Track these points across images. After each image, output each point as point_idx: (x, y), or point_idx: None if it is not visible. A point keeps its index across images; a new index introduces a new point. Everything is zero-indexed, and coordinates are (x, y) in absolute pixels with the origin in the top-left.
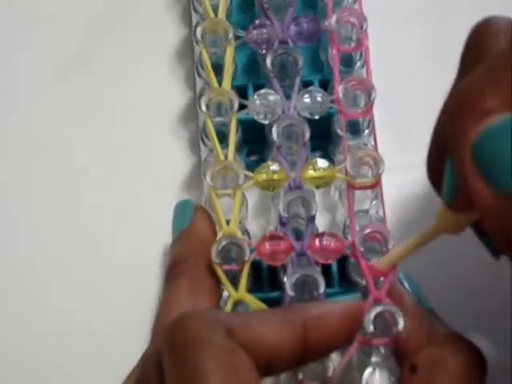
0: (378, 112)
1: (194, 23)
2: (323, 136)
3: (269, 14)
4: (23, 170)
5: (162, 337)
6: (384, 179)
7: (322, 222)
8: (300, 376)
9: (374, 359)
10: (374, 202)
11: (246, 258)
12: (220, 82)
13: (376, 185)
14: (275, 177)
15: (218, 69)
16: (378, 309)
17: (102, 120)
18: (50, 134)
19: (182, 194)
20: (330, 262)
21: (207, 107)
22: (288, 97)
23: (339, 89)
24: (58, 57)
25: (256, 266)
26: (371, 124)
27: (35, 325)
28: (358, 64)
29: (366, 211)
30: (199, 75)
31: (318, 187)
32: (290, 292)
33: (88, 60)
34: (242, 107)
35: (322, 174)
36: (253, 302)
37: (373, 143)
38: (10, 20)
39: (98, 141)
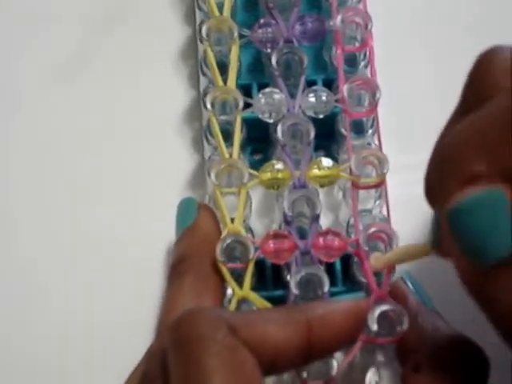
0: (381, 112)
1: (197, 22)
2: (326, 135)
3: (274, 14)
4: (23, 170)
5: (166, 334)
6: (388, 179)
7: (325, 222)
8: (304, 375)
9: (377, 358)
10: (377, 202)
11: (251, 257)
12: (225, 81)
13: (380, 184)
14: (280, 175)
15: (223, 67)
16: (382, 308)
17: (103, 119)
18: (51, 133)
19: (185, 193)
20: (333, 260)
21: (212, 105)
22: (292, 96)
23: (344, 88)
24: (58, 57)
25: (260, 264)
26: (375, 124)
27: (37, 325)
28: (362, 64)
29: (370, 211)
30: (203, 74)
31: (322, 186)
32: (294, 290)
33: (89, 60)
34: (246, 106)
35: (327, 173)
36: (257, 300)
37: (377, 143)
38: (10, 20)
39: (99, 140)
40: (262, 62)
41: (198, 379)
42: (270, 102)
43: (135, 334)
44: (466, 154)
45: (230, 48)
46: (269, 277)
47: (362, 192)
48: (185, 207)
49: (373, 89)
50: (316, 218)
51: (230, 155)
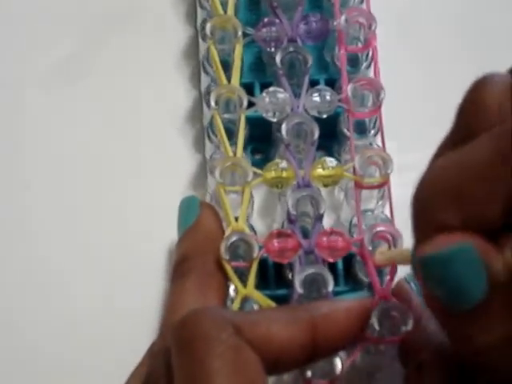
0: (383, 112)
1: (199, 20)
2: (328, 135)
3: (278, 13)
4: (23, 170)
5: (170, 334)
6: (391, 179)
7: (327, 221)
8: (308, 374)
9: (380, 358)
10: (379, 202)
11: (255, 255)
12: (228, 79)
13: (384, 184)
14: (284, 174)
15: (225, 66)
16: (386, 307)
17: (104, 119)
18: (51, 133)
19: (186, 192)
20: (336, 259)
21: (216, 103)
22: (296, 95)
23: (348, 88)
24: (58, 57)
25: (262, 263)
26: (379, 124)
27: (38, 324)
28: (364, 64)
29: (372, 211)
30: (206, 72)
31: (326, 186)
32: (299, 289)
33: (90, 60)
34: (248, 105)
35: (331, 172)
36: (261, 298)
37: (379, 143)
38: (10, 20)
39: (100, 140)
40: (263, 61)
41: (201, 379)
42: (273, 101)
43: (137, 333)
44: (438, 201)
45: (234, 47)
46: (271, 276)
47: (364, 192)
48: (187, 206)
49: (377, 89)
50: (320, 217)
51: (234, 154)
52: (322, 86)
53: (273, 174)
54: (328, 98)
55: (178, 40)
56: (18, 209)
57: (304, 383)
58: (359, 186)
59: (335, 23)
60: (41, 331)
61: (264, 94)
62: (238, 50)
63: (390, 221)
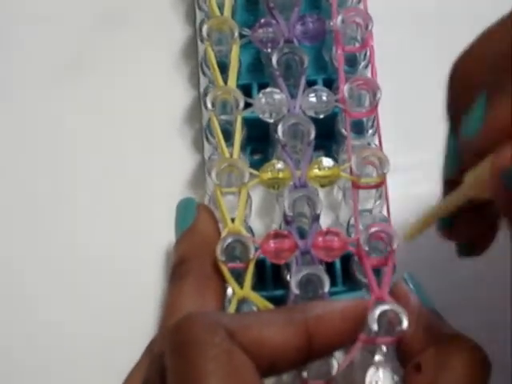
0: (380, 112)
1: (198, 21)
2: (325, 135)
3: (274, 13)
4: (23, 170)
5: (164, 338)
6: (388, 179)
7: (324, 222)
8: (304, 374)
9: (377, 358)
10: (377, 202)
11: (251, 256)
12: (225, 81)
13: (381, 184)
14: (280, 175)
15: (223, 67)
16: (382, 308)
17: (103, 120)
18: (52, 133)
19: (185, 193)
20: (333, 259)
21: (213, 105)
22: (293, 96)
23: (345, 88)
24: (58, 57)
25: (260, 264)
26: (376, 124)
27: (37, 325)
28: (362, 64)
29: (370, 210)
30: (204, 73)
31: (322, 186)
32: (295, 290)
33: (89, 60)
34: (245, 106)
35: (328, 173)
36: (258, 299)
37: (376, 143)
38: (10, 20)
39: (99, 140)
40: (261, 62)
41: (194, 383)
42: (270, 101)
43: (135, 336)
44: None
45: (231, 48)
46: (268, 277)
47: (362, 192)
48: (184, 208)
49: (373, 89)
50: (317, 217)
51: (231, 155)
52: (318, 86)
53: (269, 174)
54: (324, 98)
55: (177, 40)
56: (18, 208)
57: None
58: (356, 186)
59: (332, 23)
60: (40, 334)
61: (260, 95)
62: (235, 51)
63: (388, 220)
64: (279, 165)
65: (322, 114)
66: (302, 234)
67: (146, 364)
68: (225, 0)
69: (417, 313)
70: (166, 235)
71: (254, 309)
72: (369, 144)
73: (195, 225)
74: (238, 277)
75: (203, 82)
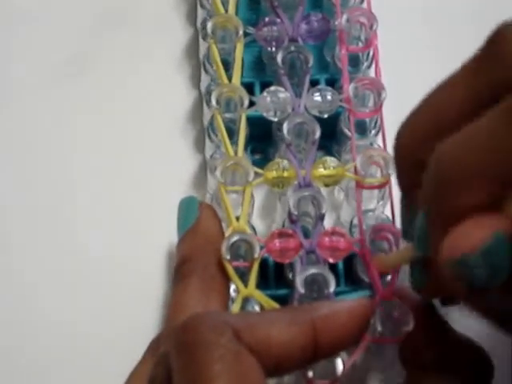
0: (384, 112)
1: (199, 20)
2: (327, 135)
3: (279, 12)
4: (22, 170)
5: (171, 338)
6: (392, 179)
7: (327, 221)
8: (310, 374)
9: (380, 359)
10: (380, 202)
11: (256, 255)
12: (228, 79)
13: (385, 184)
14: (285, 174)
15: (226, 65)
16: (387, 308)
17: (104, 119)
18: (52, 133)
19: (186, 192)
20: (337, 260)
21: (217, 102)
22: (297, 94)
23: (349, 88)
24: (60, 56)
25: (262, 263)
26: (380, 124)
27: (37, 325)
28: (365, 64)
29: (373, 211)
30: (206, 71)
31: (327, 185)
32: (300, 289)
33: (90, 59)
34: (248, 104)
35: (332, 172)
36: (262, 298)
37: (380, 143)
38: (10, 20)
39: (100, 140)
40: (263, 61)
41: (201, 383)
42: (275, 100)
43: (135, 336)
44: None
45: (235, 46)
46: (271, 276)
47: (364, 192)
48: (186, 207)
49: (378, 89)
50: (321, 217)
51: (235, 153)
52: (322, 85)
53: (274, 173)
54: (329, 97)
55: (178, 40)
56: (17, 208)
57: (306, 383)
58: (360, 185)
59: (336, 23)
60: (40, 334)
61: (265, 94)
62: (239, 49)
63: (391, 221)
64: (284, 163)
65: (326, 114)
66: (306, 234)
67: (149, 362)
68: None
69: (420, 313)
70: (166, 235)
71: (257, 308)
72: (371, 144)
73: (198, 224)
74: (242, 276)
75: (205, 80)
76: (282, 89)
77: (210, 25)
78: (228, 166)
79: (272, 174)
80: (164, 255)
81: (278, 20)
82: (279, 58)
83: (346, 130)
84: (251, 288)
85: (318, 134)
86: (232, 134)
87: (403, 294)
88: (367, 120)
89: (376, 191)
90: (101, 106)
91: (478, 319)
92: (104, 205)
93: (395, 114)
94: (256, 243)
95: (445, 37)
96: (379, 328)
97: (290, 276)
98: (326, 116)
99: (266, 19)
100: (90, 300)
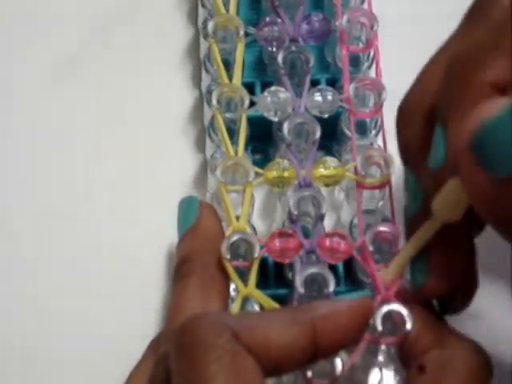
0: (385, 112)
1: (200, 20)
2: (327, 135)
3: (280, 12)
4: (22, 170)
5: (169, 339)
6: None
7: (327, 221)
8: (309, 374)
9: (380, 359)
10: (380, 202)
11: (256, 255)
12: (229, 79)
13: (385, 184)
14: (285, 174)
15: (226, 65)
16: (387, 308)
17: (104, 119)
18: (52, 133)
19: (186, 192)
20: (337, 262)
21: (218, 102)
22: (297, 95)
23: (350, 88)
24: (60, 56)
25: (262, 262)
26: (380, 124)
27: (37, 325)
28: (366, 64)
29: (373, 211)
30: (207, 71)
31: (327, 186)
32: (300, 289)
33: (90, 59)
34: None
35: (333, 172)
36: (262, 298)
37: (380, 143)
38: (10, 20)
39: (100, 140)
40: (264, 61)
41: None
42: (275, 100)
43: (136, 336)
44: (480, 63)
45: (236, 46)
46: (271, 275)
47: (365, 192)
48: (186, 206)
49: (379, 89)
50: (321, 217)
51: (235, 153)
52: (323, 85)
53: (274, 173)
54: (330, 97)
55: (178, 39)
56: (17, 208)
57: (305, 383)
58: (360, 186)
59: (337, 23)
60: (39, 334)
61: (266, 94)
62: (240, 49)
63: (391, 221)
64: (285, 163)
65: (327, 114)
66: (306, 234)
67: (150, 361)
68: None
69: (420, 313)
70: (167, 234)
71: (257, 307)
72: (371, 144)
73: (198, 223)
74: (242, 275)
75: (205, 80)
76: (282, 89)
77: (210, 24)
78: (228, 165)
79: (272, 173)
80: (164, 255)
81: (279, 20)
82: (280, 58)
83: (347, 130)
84: (251, 288)
85: (318, 134)
86: (232, 133)
87: (403, 296)
88: (367, 120)
89: (376, 191)
90: (101, 106)
91: (477, 319)
92: (103, 205)
93: (395, 114)
94: (256, 243)
95: (445, 38)
96: (379, 328)
97: (290, 276)
98: (326, 116)
99: (267, 19)
100: (89, 300)
